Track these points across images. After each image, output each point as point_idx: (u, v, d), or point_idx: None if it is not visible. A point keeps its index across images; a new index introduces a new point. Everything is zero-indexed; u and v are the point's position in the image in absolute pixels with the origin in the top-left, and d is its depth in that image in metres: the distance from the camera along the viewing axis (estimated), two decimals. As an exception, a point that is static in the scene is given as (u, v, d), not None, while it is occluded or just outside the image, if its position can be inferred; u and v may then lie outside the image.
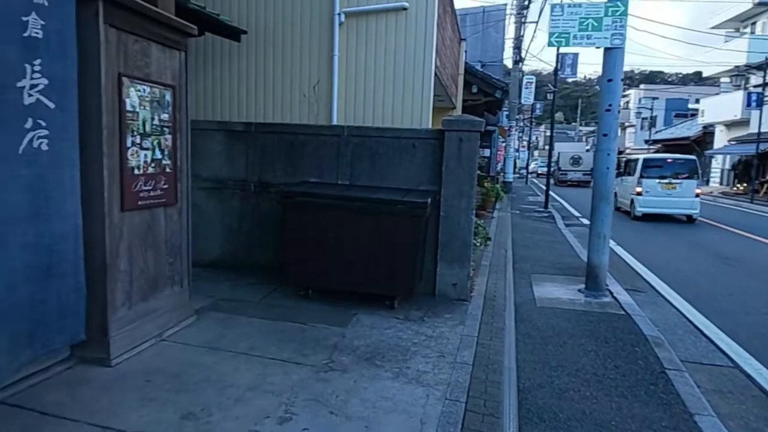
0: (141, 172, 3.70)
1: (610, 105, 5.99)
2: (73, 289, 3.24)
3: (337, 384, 3.36)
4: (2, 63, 2.70)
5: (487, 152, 20.04)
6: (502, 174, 23.99)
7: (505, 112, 24.02)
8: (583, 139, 68.64)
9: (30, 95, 2.86)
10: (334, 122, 7.02)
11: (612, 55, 5.95)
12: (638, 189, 14.76)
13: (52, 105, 2.99)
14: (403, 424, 2.95)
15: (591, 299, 6.06)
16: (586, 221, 13.91)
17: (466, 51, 13.76)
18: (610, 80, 5.97)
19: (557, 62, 20.60)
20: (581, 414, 3.40)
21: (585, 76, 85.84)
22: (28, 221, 2.94)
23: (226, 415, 2.92)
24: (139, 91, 3.62)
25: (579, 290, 6.38)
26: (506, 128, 23.66)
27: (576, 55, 24.25)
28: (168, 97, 3.94)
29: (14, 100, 2.79)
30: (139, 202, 3.71)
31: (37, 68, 2.87)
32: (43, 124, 2.95)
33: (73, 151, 3.18)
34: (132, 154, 3.60)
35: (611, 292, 6.27)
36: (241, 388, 3.22)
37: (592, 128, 68.08)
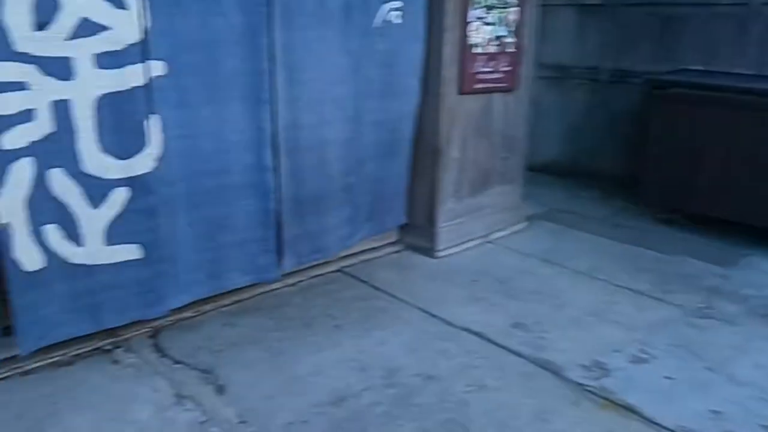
0: (481, 51, 3.32)
1: None
2: (403, 171, 3.28)
3: (717, 335, 2.59)
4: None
5: None
6: None
7: None
8: None
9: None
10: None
11: None
12: None
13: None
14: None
15: None
16: None
17: None
18: None
19: None
20: None
21: None
22: (378, 97, 2.96)
23: (561, 334, 2.56)
24: (485, -50, 3.16)
25: None
26: None
27: None
28: (516, -41, 3.38)
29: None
30: (477, 85, 3.37)
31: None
32: (396, -6, 2.88)
33: (421, 24, 3.05)
34: (474, 30, 3.23)
35: None
36: (580, 311, 2.77)
37: None
